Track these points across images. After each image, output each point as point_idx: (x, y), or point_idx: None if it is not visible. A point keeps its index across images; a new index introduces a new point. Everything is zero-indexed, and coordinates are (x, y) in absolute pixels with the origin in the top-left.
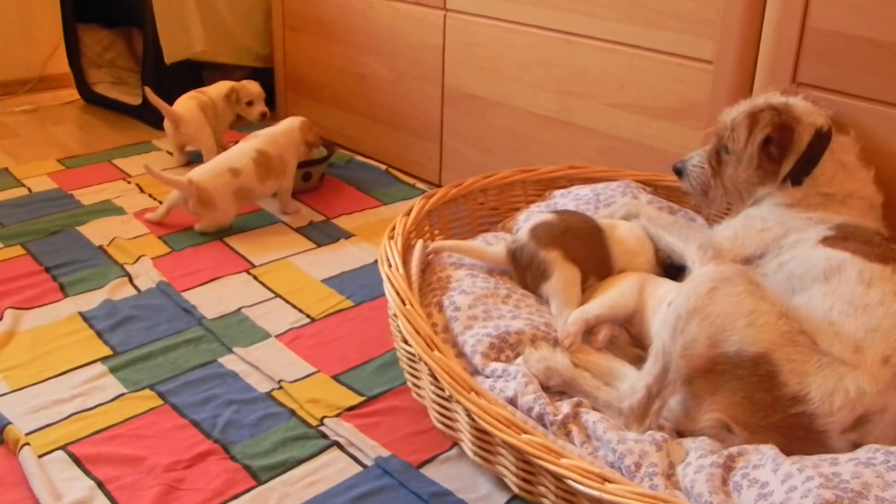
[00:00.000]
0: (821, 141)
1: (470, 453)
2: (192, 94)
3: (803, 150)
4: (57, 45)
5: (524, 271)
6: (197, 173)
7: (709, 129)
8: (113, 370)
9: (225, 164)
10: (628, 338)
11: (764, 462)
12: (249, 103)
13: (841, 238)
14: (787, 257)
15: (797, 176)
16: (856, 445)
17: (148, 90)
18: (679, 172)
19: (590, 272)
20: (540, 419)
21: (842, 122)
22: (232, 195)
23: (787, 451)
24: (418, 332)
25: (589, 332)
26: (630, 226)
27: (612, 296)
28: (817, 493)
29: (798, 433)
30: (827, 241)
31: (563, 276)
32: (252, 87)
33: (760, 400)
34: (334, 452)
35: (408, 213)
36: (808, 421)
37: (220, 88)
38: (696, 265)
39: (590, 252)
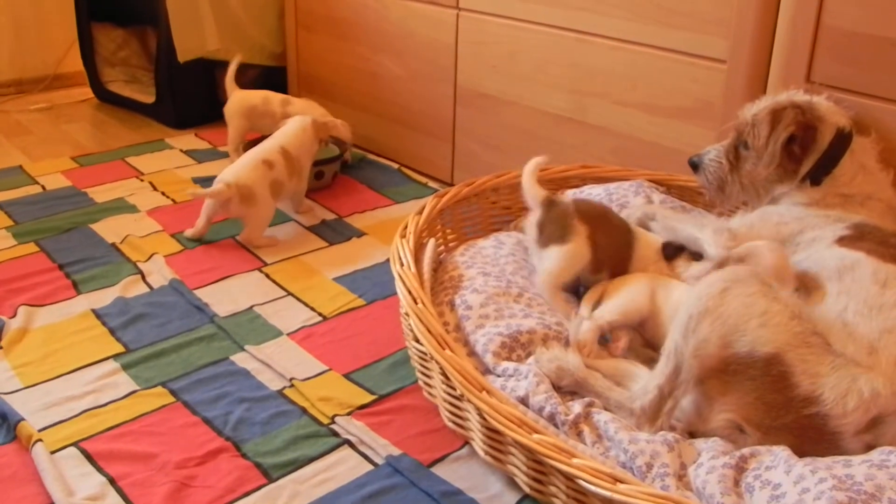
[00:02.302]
0: (842, 141)
1: (481, 452)
2: (263, 93)
3: (824, 150)
4: (71, 44)
5: (547, 223)
6: (230, 173)
7: (727, 125)
8: (125, 367)
9: (259, 156)
10: (641, 339)
11: (776, 463)
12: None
13: (857, 238)
14: (803, 255)
15: (817, 176)
16: (870, 447)
17: (229, 74)
18: (695, 166)
19: (605, 264)
20: (551, 419)
21: (863, 122)
22: (269, 188)
23: (800, 452)
24: (430, 331)
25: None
26: (656, 238)
27: (624, 301)
28: (830, 496)
29: (811, 434)
30: (843, 240)
31: (576, 249)
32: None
33: (773, 401)
34: (345, 451)
35: (420, 212)
36: (821, 422)
37: (301, 110)
38: (711, 248)
39: (615, 247)
